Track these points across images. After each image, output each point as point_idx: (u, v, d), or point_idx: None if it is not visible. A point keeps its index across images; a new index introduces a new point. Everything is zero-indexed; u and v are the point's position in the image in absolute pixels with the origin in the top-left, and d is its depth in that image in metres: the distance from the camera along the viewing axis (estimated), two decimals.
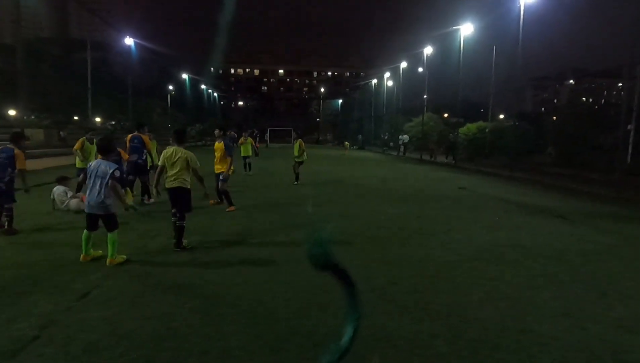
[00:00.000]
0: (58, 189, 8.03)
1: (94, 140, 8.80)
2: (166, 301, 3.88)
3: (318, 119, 78.23)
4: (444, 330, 3.44)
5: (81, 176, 6.65)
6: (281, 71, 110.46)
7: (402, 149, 33.76)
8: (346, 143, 43.55)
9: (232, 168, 8.67)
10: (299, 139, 13.26)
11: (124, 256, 5.00)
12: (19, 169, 6.21)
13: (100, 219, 4.93)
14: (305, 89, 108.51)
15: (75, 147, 9.15)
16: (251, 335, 3.27)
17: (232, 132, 19.42)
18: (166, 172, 5.75)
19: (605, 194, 12.14)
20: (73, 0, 71.14)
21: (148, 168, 9.29)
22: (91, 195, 4.86)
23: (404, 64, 37.88)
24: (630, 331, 3.51)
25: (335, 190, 12.15)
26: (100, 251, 5.08)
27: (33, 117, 30.06)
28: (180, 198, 5.68)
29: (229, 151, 8.45)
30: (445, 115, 38.20)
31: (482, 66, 33.31)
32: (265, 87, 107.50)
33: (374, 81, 48.41)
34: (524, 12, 19.15)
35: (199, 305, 3.82)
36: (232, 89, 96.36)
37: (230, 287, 4.27)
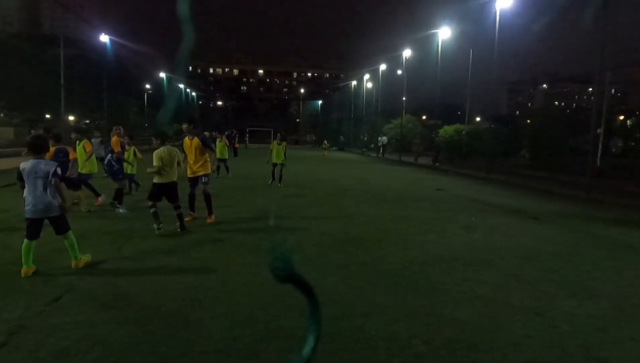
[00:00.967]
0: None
1: (78, 142, 8.54)
2: (141, 305, 3.80)
3: (298, 120, 78.22)
4: (421, 330, 3.48)
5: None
6: (261, 71, 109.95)
7: (381, 150, 34.08)
8: (325, 142, 43.37)
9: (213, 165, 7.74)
10: (284, 142, 12.96)
11: (89, 256, 4.85)
12: None
13: (50, 223, 4.56)
14: (285, 89, 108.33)
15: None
16: (230, 338, 3.23)
17: (215, 133, 19.07)
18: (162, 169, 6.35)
19: (577, 196, 12.54)
20: None
21: (123, 174, 9.02)
22: (35, 198, 4.42)
23: (383, 67, 38.26)
24: (601, 329, 3.63)
25: (313, 191, 12.15)
26: (89, 256, 4.90)
27: (2, 115, 29.05)
28: (174, 191, 6.55)
29: (207, 143, 7.21)
30: (424, 117, 38.76)
31: (459, 69, 33.94)
32: (245, 88, 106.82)
33: (354, 82, 48.76)
34: (499, 17, 19.61)
35: (176, 308, 3.76)
36: (211, 88, 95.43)
37: (208, 290, 4.21)
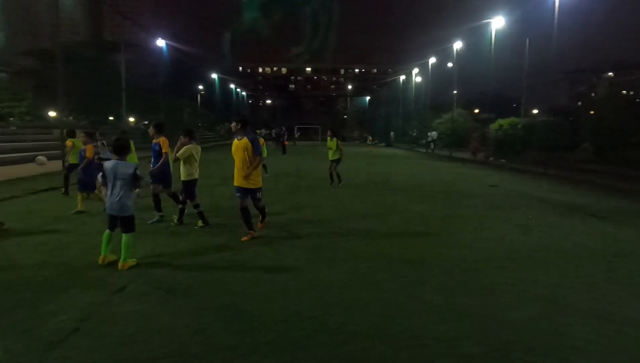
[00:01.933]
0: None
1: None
2: (197, 298, 3.99)
3: (345, 116, 78.07)
4: (474, 330, 3.39)
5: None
6: (308, 69, 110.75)
7: (431, 146, 33.26)
8: (370, 138, 42.47)
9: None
10: (335, 138, 12.14)
11: (135, 260, 4.93)
12: None
13: (119, 221, 4.88)
14: (332, 86, 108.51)
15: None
16: (278, 332, 3.32)
17: (266, 131, 18.90)
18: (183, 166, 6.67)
19: None
20: (107, 4, 73.55)
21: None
22: (112, 197, 4.81)
23: (432, 60, 37.30)
24: None
25: (360, 188, 12.09)
26: (115, 256, 4.99)
27: (71, 118, 31.32)
28: (194, 187, 6.82)
29: (257, 146, 6.11)
30: (476, 111, 37.36)
31: (514, 60, 32.33)
32: (293, 86, 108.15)
33: (402, 77, 47.87)
34: (558, 3, 18.49)
35: (229, 301, 3.91)
36: (260, 88, 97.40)
37: (257, 285, 4.34)
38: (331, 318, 3.58)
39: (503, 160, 22.27)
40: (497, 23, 24.95)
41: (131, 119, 32.23)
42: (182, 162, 6.72)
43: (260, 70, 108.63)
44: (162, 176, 7.14)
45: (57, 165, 11.94)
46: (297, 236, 6.47)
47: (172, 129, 9.74)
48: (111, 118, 31.89)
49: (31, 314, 3.55)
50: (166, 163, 7.13)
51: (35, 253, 5.31)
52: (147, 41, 34.32)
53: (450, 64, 34.36)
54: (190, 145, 6.72)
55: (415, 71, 42.54)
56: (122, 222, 4.88)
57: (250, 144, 6.05)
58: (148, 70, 30.31)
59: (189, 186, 6.78)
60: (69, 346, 3.05)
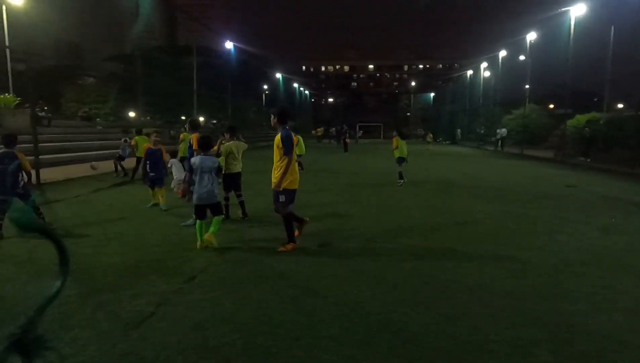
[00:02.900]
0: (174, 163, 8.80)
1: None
2: (262, 289, 4.12)
3: (408, 113, 76.50)
4: (547, 338, 3.18)
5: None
6: (371, 66, 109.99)
7: (499, 143, 31.57)
8: (430, 135, 40.98)
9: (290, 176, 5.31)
10: (396, 136, 12.16)
11: (215, 242, 5.44)
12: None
13: (208, 208, 5.50)
14: (395, 83, 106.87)
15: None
16: (341, 327, 3.33)
17: (341, 128, 19.36)
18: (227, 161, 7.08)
19: None
20: (181, 10, 78.03)
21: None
22: (201, 188, 5.40)
23: (503, 53, 35.37)
24: None
25: (423, 186, 11.79)
26: (211, 241, 5.47)
27: (148, 117, 33.64)
28: (238, 180, 7.20)
29: (287, 144, 5.22)
30: (551, 106, 34.91)
31: (595, 51, 29.75)
32: (355, 83, 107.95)
33: (469, 72, 45.91)
34: None
35: (293, 294, 4.00)
36: (323, 86, 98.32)
37: (320, 279, 4.39)
38: (393, 316, 3.53)
39: (583, 158, 20.57)
40: (578, 11, 23.05)
41: (201, 118, 33.98)
42: (224, 157, 7.25)
43: (323, 68, 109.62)
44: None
45: (132, 162, 12.90)
46: (361, 233, 6.46)
47: (242, 127, 10.27)
48: (183, 117, 33.82)
49: (113, 297, 3.88)
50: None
51: (116, 242, 5.79)
52: (217, 44, 35.98)
53: (522, 57, 32.38)
54: (231, 142, 7.25)
55: (484, 65, 40.56)
56: (212, 208, 5.52)
57: (280, 141, 5.24)
58: (217, 71, 31.74)
59: (228, 179, 7.21)
60: (147, 328, 3.29)
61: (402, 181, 11.87)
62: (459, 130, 45.72)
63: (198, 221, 5.46)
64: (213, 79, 30.78)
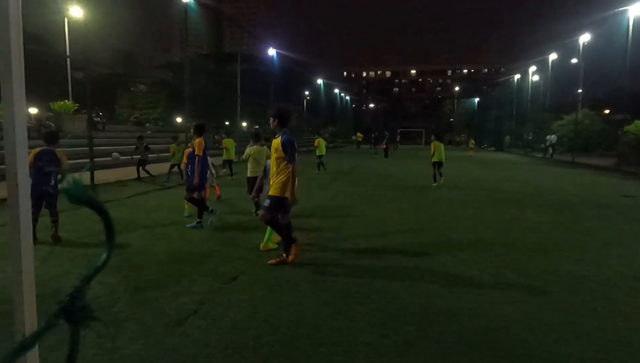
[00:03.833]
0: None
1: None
2: (300, 292, 4.15)
3: (452, 119, 74.80)
4: (597, 356, 3.00)
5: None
6: (413, 71, 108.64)
7: (549, 150, 30.14)
8: (472, 141, 39.77)
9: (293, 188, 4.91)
10: (435, 141, 13.11)
11: (276, 245, 5.56)
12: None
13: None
14: (438, 88, 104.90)
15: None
16: (379, 334, 3.30)
17: (380, 134, 20.56)
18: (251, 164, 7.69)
19: None
20: (226, 19, 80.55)
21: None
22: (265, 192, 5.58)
23: (553, 56, 33.88)
24: None
25: (470, 194, 11.46)
26: (274, 245, 5.60)
27: (194, 123, 34.98)
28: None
29: (288, 148, 4.79)
30: (606, 111, 33.01)
31: None
32: (397, 89, 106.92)
33: (517, 76, 44.27)
34: None
35: (329, 298, 4.00)
36: (364, 91, 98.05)
37: (359, 285, 4.37)
38: (434, 325, 3.45)
39: (631, 168, 19.26)
40: (637, 10, 21.74)
41: (244, 124, 34.79)
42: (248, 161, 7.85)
43: (364, 74, 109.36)
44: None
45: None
46: (399, 238, 6.37)
47: None
48: (227, 123, 34.79)
49: (158, 294, 4.03)
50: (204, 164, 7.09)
51: (163, 242, 6.03)
52: (260, 51, 36.81)
53: (574, 60, 30.87)
54: (253, 147, 7.73)
55: (532, 69, 39.00)
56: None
57: (280, 146, 4.78)
58: (259, 78, 32.46)
59: (251, 182, 7.62)
60: (189, 325, 3.40)
61: (436, 183, 12.86)
62: (507, 136, 44.00)
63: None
64: (256, 85, 31.50)
